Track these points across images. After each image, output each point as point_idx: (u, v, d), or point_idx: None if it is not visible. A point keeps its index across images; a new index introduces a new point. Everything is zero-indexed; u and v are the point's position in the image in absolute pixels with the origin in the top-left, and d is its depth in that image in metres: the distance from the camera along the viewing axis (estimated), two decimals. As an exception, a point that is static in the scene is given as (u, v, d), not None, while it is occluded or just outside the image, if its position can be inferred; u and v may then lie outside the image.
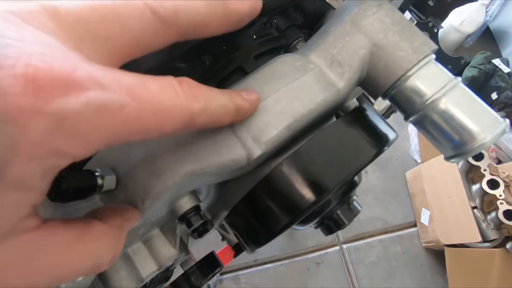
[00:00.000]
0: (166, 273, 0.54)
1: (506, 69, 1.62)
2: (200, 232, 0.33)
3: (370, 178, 1.65)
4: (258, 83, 0.23)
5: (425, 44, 0.22)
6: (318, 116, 0.23)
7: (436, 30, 1.92)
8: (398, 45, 0.22)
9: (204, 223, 0.31)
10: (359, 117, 0.25)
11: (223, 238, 0.43)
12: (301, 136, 0.24)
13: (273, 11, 0.28)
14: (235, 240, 0.39)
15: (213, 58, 0.27)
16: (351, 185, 0.28)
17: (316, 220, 0.29)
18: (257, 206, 0.24)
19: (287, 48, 0.28)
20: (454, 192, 1.33)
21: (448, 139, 0.22)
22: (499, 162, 1.59)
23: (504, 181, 1.39)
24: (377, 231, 1.54)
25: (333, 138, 0.23)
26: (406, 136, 1.74)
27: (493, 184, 1.38)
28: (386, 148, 0.25)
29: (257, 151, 0.21)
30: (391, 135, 0.26)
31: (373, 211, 1.57)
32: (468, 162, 1.43)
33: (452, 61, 1.84)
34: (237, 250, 0.49)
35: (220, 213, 0.35)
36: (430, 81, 0.22)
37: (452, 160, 0.23)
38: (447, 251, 1.33)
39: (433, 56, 0.23)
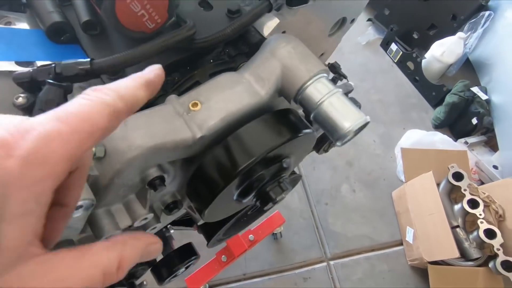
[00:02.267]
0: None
1: (484, 96, 1.74)
2: (171, 208, 0.43)
3: (358, 197, 1.72)
4: (206, 90, 0.34)
5: (315, 66, 0.33)
6: (247, 114, 0.34)
7: (419, 60, 2.08)
8: (298, 66, 0.33)
9: (174, 202, 0.41)
10: (278, 116, 0.35)
11: (191, 218, 0.51)
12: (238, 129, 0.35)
13: (226, 43, 0.40)
14: (198, 219, 0.48)
15: (180, 74, 0.38)
16: (280, 167, 0.38)
17: (253, 194, 0.39)
18: (202, 177, 0.34)
19: (235, 69, 0.40)
20: (434, 209, 1.39)
21: (330, 128, 0.32)
22: (482, 183, 1.66)
23: (484, 201, 1.45)
24: (364, 248, 1.58)
25: (255, 128, 0.34)
26: (393, 157, 1.83)
27: (474, 204, 1.45)
28: (299, 135, 0.34)
29: (198, 134, 0.32)
30: (305, 129, 0.36)
31: (361, 229, 1.63)
32: (449, 182, 1.51)
33: (435, 88, 1.97)
34: (203, 229, 0.57)
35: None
36: (319, 90, 0.33)
37: (337, 143, 0.34)
38: (430, 268, 1.37)
39: (324, 74, 0.34)
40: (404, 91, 2.09)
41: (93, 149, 0.30)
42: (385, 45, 2.23)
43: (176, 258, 0.60)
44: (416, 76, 2.08)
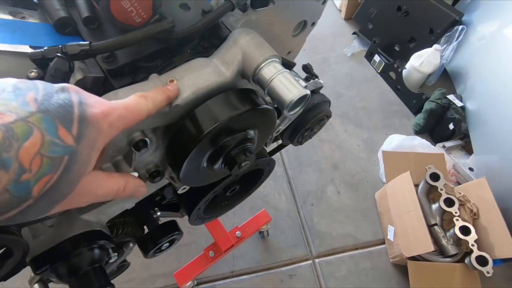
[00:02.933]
0: (135, 232, 0.69)
1: (459, 103, 1.85)
2: (154, 175, 0.50)
3: (342, 198, 1.79)
4: (181, 70, 0.43)
5: (268, 52, 0.42)
6: (214, 90, 0.43)
7: (400, 70, 2.20)
8: (254, 52, 0.42)
9: (157, 170, 0.49)
10: (240, 92, 0.44)
11: (172, 186, 0.58)
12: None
13: (201, 38, 0.49)
14: (178, 187, 0.56)
15: (162, 61, 0.47)
16: (245, 137, 0.46)
17: (221, 159, 0.47)
18: (176, 141, 0.42)
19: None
20: (411, 207, 1.47)
21: (278, 99, 0.41)
22: (459, 185, 1.74)
23: (460, 200, 1.54)
24: (348, 247, 1.64)
25: (220, 101, 0.42)
26: (376, 161, 1.92)
27: (450, 203, 1.53)
28: (257, 108, 0.43)
29: (174, 103, 0.40)
30: (263, 105, 0.45)
31: (345, 228, 1.69)
32: (427, 183, 1.59)
33: (416, 96, 2.09)
34: (184, 205, 0.64)
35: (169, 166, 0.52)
36: (270, 70, 0.42)
37: (285, 112, 0.42)
38: (410, 264, 1.43)
39: (275, 59, 0.43)
40: (387, 99, 2.21)
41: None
42: (369, 56, 2.37)
43: (160, 232, 0.67)
44: (398, 85, 2.20)
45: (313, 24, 0.63)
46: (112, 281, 0.47)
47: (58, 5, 0.45)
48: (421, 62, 2.02)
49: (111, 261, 0.51)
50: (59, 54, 0.35)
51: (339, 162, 1.91)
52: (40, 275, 0.43)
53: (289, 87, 0.41)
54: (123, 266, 0.63)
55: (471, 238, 1.43)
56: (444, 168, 1.69)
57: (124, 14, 0.41)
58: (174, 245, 0.73)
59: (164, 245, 0.69)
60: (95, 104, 0.29)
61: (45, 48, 0.37)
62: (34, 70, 0.38)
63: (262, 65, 0.42)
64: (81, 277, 0.43)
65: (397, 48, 2.32)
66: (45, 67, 0.38)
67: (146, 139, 0.43)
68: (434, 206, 1.58)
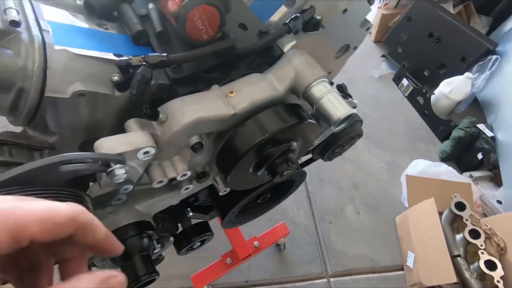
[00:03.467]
0: (171, 228, 0.74)
1: (489, 133, 1.82)
2: (200, 176, 0.55)
3: (362, 219, 1.77)
4: (239, 83, 0.48)
5: (319, 72, 0.47)
6: (268, 102, 0.47)
7: (429, 96, 2.20)
8: (306, 71, 0.47)
9: (203, 172, 0.53)
10: (288, 106, 0.48)
11: (208, 205, 0.63)
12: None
13: (255, 55, 0.55)
14: (220, 189, 0.60)
15: (220, 74, 0.52)
16: (288, 147, 0.50)
17: (265, 167, 0.51)
18: (228, 147, 0.47)
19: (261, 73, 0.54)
20: (434, 235, 1.44)
21: (326, 116, 0.45)
22: (485, 217, 1.69)
23: (486, 233, 1.49)
24: (364, 269, 1.62)
25: (272, 113, 0.46)
26: (399, 184, 1.90)
27: (475, 234, 1.49)
28: (303, 122, 0.47)
29: (232, 111, 0.45)
30: (309, 119, 0.49)
31: (362, 249, 1.67)
32: (452, 212, 1.56)
33: (443, 123, 2.07)
34: (218, 208, 0.68)
35: (214, 168, 0.57)
36: (320, 89, 0.46)
37: (331, 128, 0.46)
38: (429, 294, 1.40)
39: (325, 79, 0.47)
40: (413, 123, 2.20)
41: (161, 115, 0.43)
42: (397, 79, 2.38)
43: (194, 231, 0.71)
44: (425, 110, 2.19)
45: (355, 48, 0.67)
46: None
47: (135, 19, 0.52)
48: (451, 89, 2.01)
49: (155, 251, 0.55)
50: (144, 63, 0.41)
51: (360, 182, 1.91)
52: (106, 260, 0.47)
53: (338, 105, 0.44)
54: (158, 259, 0.67)
55: (497, 274, 1.37)
56: (470, 198, 1.65)
57: (195, 31, 0.47)
58: (204, 245, 0.77)
59: (196, 244, 0.73)
60: None
61: (130, 57, 0.43)
62: (117, 74, 0.44)
63: (313, 84, 0.46)
64: (132, 262, 0.48)
65: (426, 73, 2.31)
66: (126, 72, 0.44)
67: (203, 142, 0.48)
68: (458, 237, 1.54)
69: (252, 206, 0.81)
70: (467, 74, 1.98)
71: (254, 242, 1.43)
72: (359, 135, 0.88)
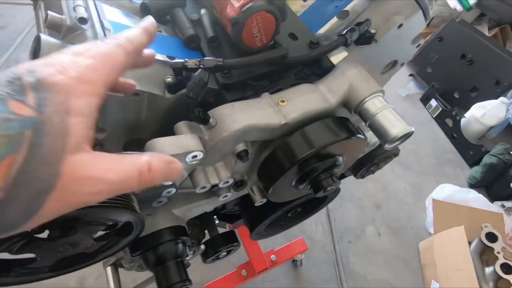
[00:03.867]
0: (199, 235, 0.72)
1: (524, 162, 1.72)
2: (238, 185, 0.54)
3: (383, 241, 1.70)
4: (291, 92, 0.47)
5: (375, 86, 0.45)
6: (318, 114, 0.46)
7: (458, 118, 2.12)
8: (361, 85, 0.45)
9: (241, 180, 0.52)
10: (339, 120, 0.46)
11: (234, 213, 0.61)
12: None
13: (304, 65, 0.54)
14: (257, 199, 0.58)
15: (269, 82, 0.51)
16: (333, 162, 0.48)
17: (308, 181, 0.49)
18: (274, 158, 0.45)
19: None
20: (463, 265, 1.36)
21: (382, 133, 0.43)
22: (518, 251, 1.58)
23: (519, 268, 1.39)
24: (384, 295, 1.54)
25: (323, 126, 0.45)
26: (423, 208, 1.82)
27: (508, 269, 1.39)
28: (353, 137, 0.45)
29: (283, 121, 0.44)
30: (358, 134, 0.47)
31: (382, 274, 1.60)
32: (482, 242, 1.47)
33: (474, 147, 1.99)
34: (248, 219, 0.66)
35: (253, 177, 0.55)
36: (375, 104, 0.44)
37: (386, 146, 0.44)
38: (454, 328, 1.31)
39: (380, 94, 0.45)
40: (441, 145, 2.12)
41: (211, 119, 0.43)
42: (425, 100, 2.32)
43: (222, 240, 0.69)
44: (454, 133, 2.11)
45: (402, 64, 0.65)
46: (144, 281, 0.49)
47: (188, 23, 0.52)
48: (484, 113, 1.93)
49: (187, 258, 0.54)
50: (202, 66, 0.40)
51: (383, 202, 1.84)
52: (134, 257, 0.46)
53: (394, 122, 0.42)
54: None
55: (530, 314, 1.28)
56: (502, 230, 1.55)
57: (250, 38, 0.47)
58: (230, 255, 0.75)
59: (222, 254, 0.71)
60: (50, 65, 0.23)
61: (186, 59, 0.43)
62: (170, 76, 0.44)
63: (368, 98, 0.45)
64: (167, 268, 0.47)
65: (456, 95, 2.24)
66: (179, 75, 0.44)
67: (248, 150, 0.47)
68: (488, 270, 1.45)
69: (281, 219, 0.79)
70: (502, 98, 1.90)
71: (271, 256, 1.39)
72: (396, 154, 0.85)
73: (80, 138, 0.22)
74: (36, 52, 0.36)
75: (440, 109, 2.20)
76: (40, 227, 0.30)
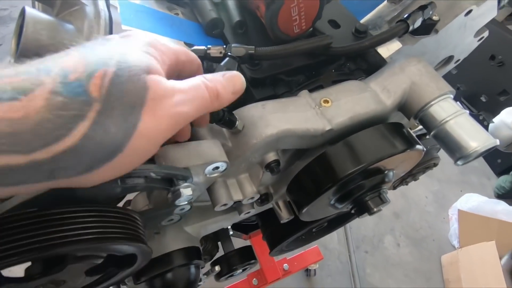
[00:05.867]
0: (212, 250, 0.64)
1: (561, 174, 1.59)
2: (263, 199, 0.45)
3: (402, 253, 1.60)
4: (336, 91, 0.37)
5: (445, 86, 0.35)
6: (370, 119, 0.37)
7: (486, 124, 1.98)
8: (428, 84, 0.36)
9: (266, 194, 0.43)
10: (393, 127, 0.37)
11: (249, 224, 0.52)
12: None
13: (347, 58, 0.44)
14: (284, 217, 0.49)
15: (305, 77, 0.42)
16: (382, 179, 0.39)
17: (351, 200, 0.40)
18: (314, 171, 0.36)
19: (354, 81, 0.43)
20: (493, 284, 1.24)
21: (453, 146, 0.33)
22: (551, 270, 1.46)
23: (555, 290, 1.28)
24: (402, 311, 1.44)
25: (377, 134, 0.36)
26: (446, 219, 1.71)
27: (541, 290, 1.27)
28: (407, 150, 0.36)
29: (328, 126, 0.35)
30: (417, 145, 0.37)
31: (401, 288, 1.50)
32: (513, 259, 1.35)
33: (502, 155, 1.85)
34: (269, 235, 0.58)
35: (280, 190, 0.47)
36: (445, 108, 0.35)
37: (458, 163, 0.34)
38: None
39: (451, 95, 0.36)
40: (466, 152, 1.99)
41: (237, 122, 0.34)
42: (449, 103, 2.18)
43: (238, 257, 0.61)
44: (480, 139, 1.98)
45: (458, 61, 0.55)
46: None
47: (210, 5, 0.44)
48: (515, 119, 1.79)
49: (199, 284, 0.46)
50: (230, 54, 0.32)
51: (402, 211, 1.73)
52: (137, 285, 0.39)
53: (473, 133, 0.33)
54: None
55: None
56: (535, 246, 1.43)
57: (287, 23, 0.38)
58: (246, 272, 0.67)
59: (238, 271, 0.63)
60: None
61: (208, 46, 0.34)
62: (189, 67, 0.36)
63: (435, 101, 0.35)
64: (177, 299, 0.39)
65: (483, 99, 2.10)
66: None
67: (280, 160, 0.38)
68: (519, 289, 1.33)
69: (303, 234, 0.70)
70: (536, 104, 1.76)
71: (284, 265, 1.30)
72: (435, 164, 0.75)
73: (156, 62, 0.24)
74: (20, 30, 0.28)
75: (466, 113, 2.06)
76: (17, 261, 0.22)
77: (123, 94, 0.21)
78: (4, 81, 0.17)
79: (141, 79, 0.22)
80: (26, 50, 0.28)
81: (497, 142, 0.33)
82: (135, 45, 0.23)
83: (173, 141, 0.31)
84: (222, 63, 0.31)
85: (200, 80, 0.26)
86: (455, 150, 0.34)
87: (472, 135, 0.33)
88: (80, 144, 0.19)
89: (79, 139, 0.19)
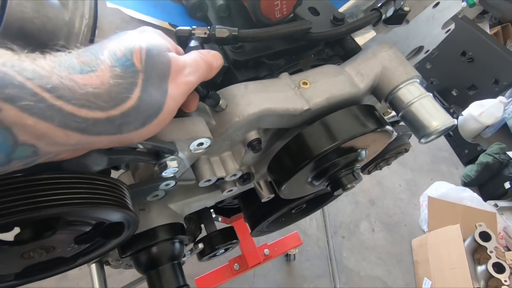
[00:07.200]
0: (195, 232, 0.66)
1: (520, 162, 1.72)
2: (245, 179, 0.47)
3: (377, 237, 1.69)
4: (314, 74, 0.40)
5: (412, 70, 0.39)
6: (344, 101, 0.39)
7: (456, 116, 2.10)
8: (397, 68, 0.39)
9: (248, 173, 0.46)
10: (366, 108, 0.40)
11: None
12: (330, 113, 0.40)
13: (326, 44, 0.47)
14: (264, 195, 0.52)
15: (286, 61, 0.44)
16: (355, 157, 0.42)
17: (327, 177, 0.43)
18: (292, 149, 0.39)
19: (331, 66, 0.46)
20: (457, 264, 1.35)
21: (418, 125, 0.37)
22: (509, 250, 1.59)
23: (511, 267, 1.40)
24: (376, 291, 1.53)
25: (350, 114, 0.38)
26: (417, 205, 1.81)
27: (499, 268, 1.39)
28: (381, 129, 0.39)
29: (306, 106, 0.37)
30: (387, 127, 0.41)
31: (375, 270, 1.58)
32: (475, 241, 1.47)
33: (469, 146, 1.98)
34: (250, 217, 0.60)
35: (261, 170, 0.49)
36: (412, 91, 0.38)
37: (422, 140, 0.38)
38: (445, 326, 1.31)
39: (417, 80, 0.39)
40: (436, 143, 2.11)
41: (221, 101, 0.36)
42: (423, 96, 2.29)
43: (220, 237, 0.63)
44: (450, 132, 2.10)
45: (427, 51, 0.59)
46: (129, 273, 0.44)
47: (194, -12, 0.45)
48: (481, 112, 1.92)
49: (183, 259, 0.48)
50: (212, 35, 0.33)
51: (377, 198, 1.82)
52: (123, 259, 0.40)
53: (434, 113, 0.37)
54: (178, 264, 0.59)
55: (521, 313, 1.28)
56: (495, 229, 1.56)
57: (269, 8, 0.39)
58: (228, 252, 0.69)
59: (220, 251, 0.65)
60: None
61: (193, 27, 0.36)
62: (173, 47, 0.37)
63: (403, 84, 0.38)
64: (162, 272, 0.40)
65: (454, 93, 2.22)
66: (184, 46, 0.37)
67: (261, 138, 0.40)
68: (480, 268, 1.44)
69: (283, 215, 0.73)
70: (500, 98, 1.89)
71: (265, 250, 1.34)
72: (407, 149, 0.80)
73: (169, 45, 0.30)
74: (4, 3, 0.28)
75: (438, 106, 2.17)
76: (9, 225, 0.23)
77: (156, 66, 0.26)
78: (73, 61, 0.22)
79: (166, 55, 0.28)
80: (10, 23, 0.28)
81: (455, 122, 0.36)
82: (153, 33, 0.29)
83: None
84: (191, 44, 0.33)
85: (198, 55, 0.31)
86: (419, 129, 0.37)
87: (434, 115, 0.37)
88: (137, 104, 0.25)
89: (136, 100, 0.25)
